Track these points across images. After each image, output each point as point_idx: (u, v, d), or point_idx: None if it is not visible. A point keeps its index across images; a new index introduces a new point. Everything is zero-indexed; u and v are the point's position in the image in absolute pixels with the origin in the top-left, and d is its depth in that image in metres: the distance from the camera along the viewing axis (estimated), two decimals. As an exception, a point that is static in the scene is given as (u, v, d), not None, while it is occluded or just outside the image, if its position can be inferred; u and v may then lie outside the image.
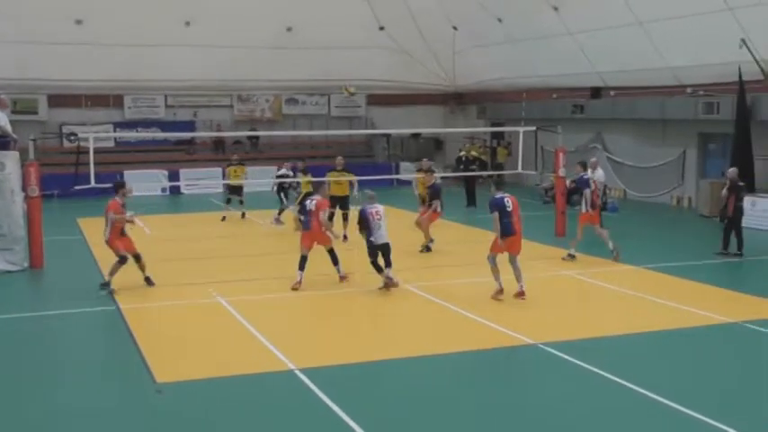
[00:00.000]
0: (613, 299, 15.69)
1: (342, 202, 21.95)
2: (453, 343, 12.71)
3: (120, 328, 13.62)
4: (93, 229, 22.93)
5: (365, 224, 15.83)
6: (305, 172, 23.40)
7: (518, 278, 15.21)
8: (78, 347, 12.84)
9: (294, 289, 16.12)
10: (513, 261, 15.22)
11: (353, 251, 18.84)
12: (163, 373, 11.22)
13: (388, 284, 15.86)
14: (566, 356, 11.77)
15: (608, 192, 29.71)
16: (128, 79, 36.22)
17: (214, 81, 37.58)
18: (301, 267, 16.32)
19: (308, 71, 37.84)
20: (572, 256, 18.84)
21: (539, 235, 21.33)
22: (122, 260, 16.23)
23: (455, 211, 27.38)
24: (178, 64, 35.80)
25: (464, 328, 13.69)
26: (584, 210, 19.15)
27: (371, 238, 15.77)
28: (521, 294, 15.12)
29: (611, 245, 18.75)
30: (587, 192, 19.05)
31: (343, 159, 22.70)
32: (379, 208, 16.00)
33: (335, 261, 16.77)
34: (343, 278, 16.78)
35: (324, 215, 16.76)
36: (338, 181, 21.91)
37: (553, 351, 12.04)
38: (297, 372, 11.21)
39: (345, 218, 21.83)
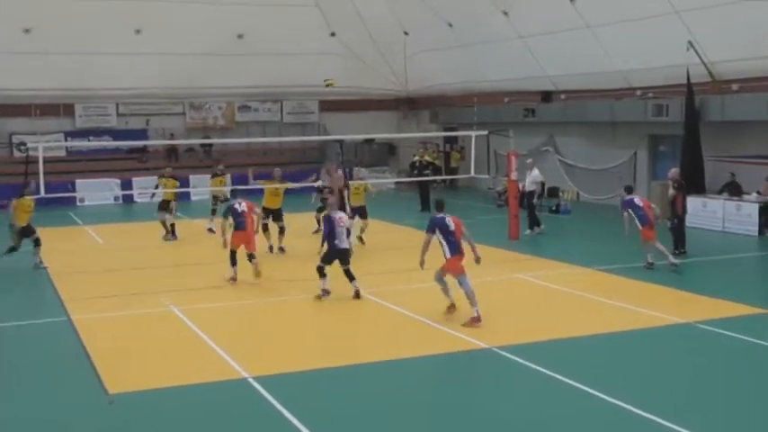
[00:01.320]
0: (566, 301, 15.75)
1: (275, 214, 21.53)
2: (408, 348, 12.66)
3: (71, 340, 13.40)
4: (44, 238, 22.59)
5: (331, 230, 15.73)
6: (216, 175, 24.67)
7: (471, 303, 13.95)
8: (27, 359, 12.59)
9: (232, 280, 17.16)
10: (462, 282, 14.12)
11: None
12: (115, 383, 11.05)
13: (358, 294, 15.82)
14: (520, 360, 11.78)
15: (561, 194, 30.00)
16: (78, 88, 35.77)
17: (166, 89, 37.28)
18: (233, 263, 17.33)
19: (261, 78, 37.69)
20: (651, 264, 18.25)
21: (492, 238, 21.38)
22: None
23: (409, 215, 27.41)
24: (129, 72, 35.46)
25: (418, 333, 13.65)
26: (640, 227, 18.24)
27: (334, 242, 15.74)
28: (476, 320, 13.76)
29: (670, 258, 18.16)
30: (630, 211, 18.26)
31: (280, 171, 22.59)
32: (343, 215, 16.33)
33: (234, 263, 17.50)
34: (232, 279, 17.43)
35: (256, 216, 17.96)
36: (276, 193, 21.58)
37: (507, 355, 12.05)
38: (250, 380, 11.10)
39: (282, 231, 21.43)
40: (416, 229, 24.76)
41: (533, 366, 11.48)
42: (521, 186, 23.19)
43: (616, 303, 15.13)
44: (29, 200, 19.62)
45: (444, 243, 14.27)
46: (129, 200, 34.62)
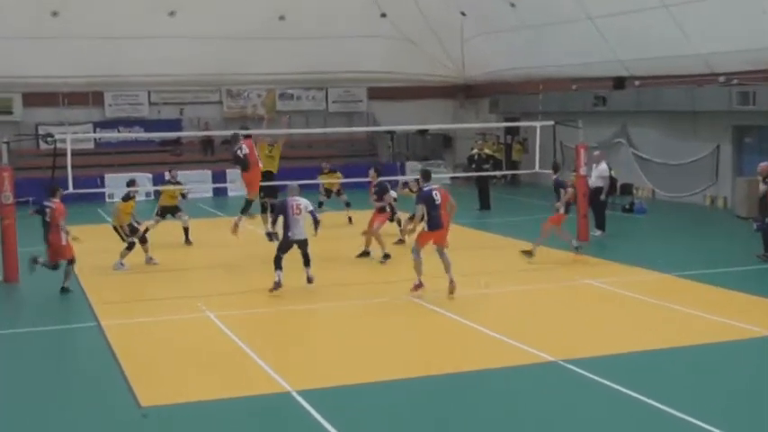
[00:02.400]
0: (641, 310, 15.59)
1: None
2: (466, 361, 12.63)
3: (102, 347, 13.57)
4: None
5: (283, 216, 16.61)
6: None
7: (447, 269, 16.19)
8: (56, 368, 12.79)
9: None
10: (441, 252, 16.24)
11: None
12: (148, 396, 11.16)
13: (310, 281, 16.97)
14: (589, 374, 11.70)
15: (635, 191, 29.72)
16: (108, 75, 36.24)
17: (201, 75, 37.59)
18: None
19: (304, 63, 37.82)
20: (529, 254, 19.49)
21: (558, 240, 21.25)
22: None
23: (466, 214, 27.29)
24: (162, 57, 35.78)
25: (477, 344, 13.62)
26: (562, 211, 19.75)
27: (288, 233, 16.58)
28: (451, 284, 16.10)
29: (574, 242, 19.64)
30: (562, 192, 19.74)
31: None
32: (302, 202, 16.76)
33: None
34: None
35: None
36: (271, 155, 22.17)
37: (575, 368, 11.97)
38: (294, 393, 11.14)
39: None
40: (474, 228, 24.74)
41: (604, 382, 11.38)
42: (589, 182, 23.00)
43: (696, 313, 14.94)
44: (132, 203, 20.19)
45: (431, 216, 16.01)
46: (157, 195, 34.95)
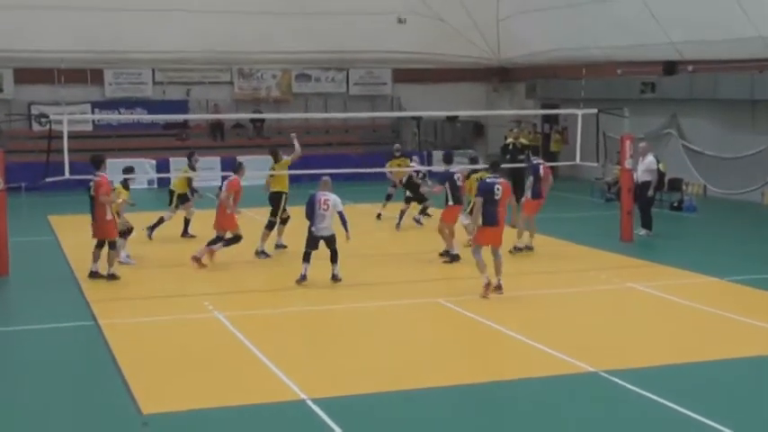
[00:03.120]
0: (691, 317, 15.58)
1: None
2: (497, 370, 12.68)
3: (100, 348, 13.67)
4: (67, 228, 23.17)
5: (309, 211, 17.35)
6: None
7: (497, 271, 16.47)
8: (50, 370, 12.87)
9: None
10: (494, 252, 16.52)
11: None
12: (150, 403, 11.24)
13: (336, 279, 17.63)
14: (632, 387, 11.70)
15: (685, 187, 29.63)
16: (109, 51, 36.33)
17: (211, 53, 37.65)
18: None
19: (323, 41, 37.82)
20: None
21: (600, 240, 21.28)
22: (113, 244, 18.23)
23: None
24: (168, 33, 35.87)
25: (509, 351, 13.66)
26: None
27: (312, 228, 17.34)
28: (498, 288, 16.38)
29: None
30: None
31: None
32: (331, 198, 17.38)
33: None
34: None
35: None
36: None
37: (617, 380, 11.98)
38: (309, 402, 11.20)
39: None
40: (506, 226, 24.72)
41: (647, 395, 11.38)
42: (635, 177, 22.96)
43: (755, 322, 14.91)
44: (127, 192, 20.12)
45: (487, 211, 16.28)
46: (165, 184, 34.94)
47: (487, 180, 16.63)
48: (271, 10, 36.06)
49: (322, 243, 17.56)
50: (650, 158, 23.28)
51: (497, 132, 39.49)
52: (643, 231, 22.93)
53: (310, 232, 17.40)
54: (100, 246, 18.31)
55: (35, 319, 15.53)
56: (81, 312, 15.77)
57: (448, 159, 20.41)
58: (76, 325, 15.10)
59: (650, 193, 23.10)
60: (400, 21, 37.63)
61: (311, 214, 17.36)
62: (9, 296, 17.89)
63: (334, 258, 17.61)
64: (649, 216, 23.25)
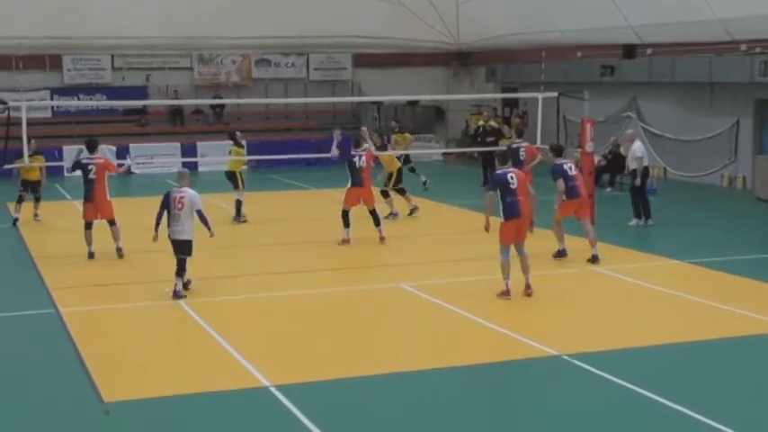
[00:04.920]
0: (652, 301, 15.61)
1: None
2: (459, 354, 12.63)
3: (59, 337, 13.52)
4: (27, 214, 22.89)
5: (161, 211, 15.41)
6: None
7: (524, 269, 15.42)
8: (9, 359, 12.71)
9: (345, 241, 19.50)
10: (519, 249, 15.42)
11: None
12: (111, 391, 11.11)
13: (178, 296, 15.29)
14: (596, 370, 11.71)
15: (651, 171, 29.70)
16: (67, 36, 36.04)
17: (170, 38, 37.42)
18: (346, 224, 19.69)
19: (283, 26, 37.68)
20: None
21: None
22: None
23: (468, 193, 27.31)
24: (127, 18, 35.64)
25: (472, 335, 13.63)
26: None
27: (168, 230, 15.34)
28: (527, 288, 15.38)
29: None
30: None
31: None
32: (186, 194, 15.28)
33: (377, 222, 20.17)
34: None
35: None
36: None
37: (580, 364, 11.98)
38: (272, 389, 11.13)
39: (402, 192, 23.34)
40: (475, 210, 24.72)
41: (611, 378, 11.40)
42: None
43: (715, 304, 14.97)
44: None
45: (506, 202, 15.15)
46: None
47: (498, 172, 15.58)
48: (231, -6, 35.86)
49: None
50: (634, 146, 22.56)
51: (457, 116, 39.57)
52: (635, 221, 22.26)
53: (169, 235, 15.46)
54: (90, 227, 18.76)
55: (-7, 307, 15.34)
56: (41, 300, 15.57)
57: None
58: (36, 313, 14.91)
59: (637, 181, 22.21)
60: None
61: (167, 215, 15.37)
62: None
63: (178, 270, 15.34)
64: (644, 204, 22.50)
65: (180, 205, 15.16)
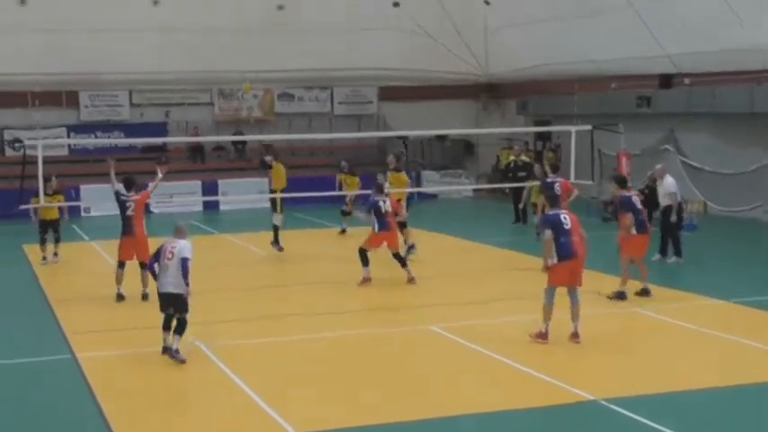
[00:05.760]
0: (696, 342, 15.53)
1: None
2: (491, 399, 12.56)
3: (77, 384, 13.54)
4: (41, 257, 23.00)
5: (152, 261, 15.01)
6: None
7: (574, 316, 15.17)
8: (23, 408, 12.72)
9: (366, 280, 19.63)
10: (572, 294, 15.23)
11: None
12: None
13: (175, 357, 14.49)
14: (635, 416, 11.61)
15: (684, 206, 29.59)
16: (84, 72, 36.28)
17: (190, 73, 37.64)
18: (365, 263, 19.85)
19: (306, 59, 37.84)
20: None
21: (597, 261, 21.14)
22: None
23: (498, 231, 27.25)
24: (145, 53, 35.88)
25: (505, 379, 13.56)
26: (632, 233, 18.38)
27: (157, 283, 14.78)
28: (575, 336, 15.15)
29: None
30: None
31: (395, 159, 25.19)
32: (178, 244, 14.71)
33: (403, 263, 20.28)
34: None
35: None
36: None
37: (618, 409, 11.89)
38: (300, 438, 11.09)
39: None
40: (507, 248, 24.69)
41: (652, 424, 11.27)
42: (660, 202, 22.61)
43: (759, 346, 14.85)
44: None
45: (559, 243, 14.93)
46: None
47: (550, 213, 15.68)
48: (252, 27, 36.06)
49: None
50: (668, 181, 22.50)
51: (487, 151, 39.56)
52: (673, 258, 22.30)
53: (157, 288, 14.86)
54: (123, 266, 19.04)
55: (9, 353, 15.38)
56: (57, 345, 15.62)
57: (623, 182, 18.15)
58: (52, 359, 14.94)
59: (673, 218, 22.00)
60: (395, 4, 37.48)
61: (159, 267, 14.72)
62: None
63: (178, 328, 14.54)
64: (676, 241, 22.37)
65: (170, 255, 14.62)
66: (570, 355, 14.66)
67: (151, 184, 20.00)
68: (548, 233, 15.11)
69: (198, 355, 14.80)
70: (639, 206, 18.04)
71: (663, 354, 14.86)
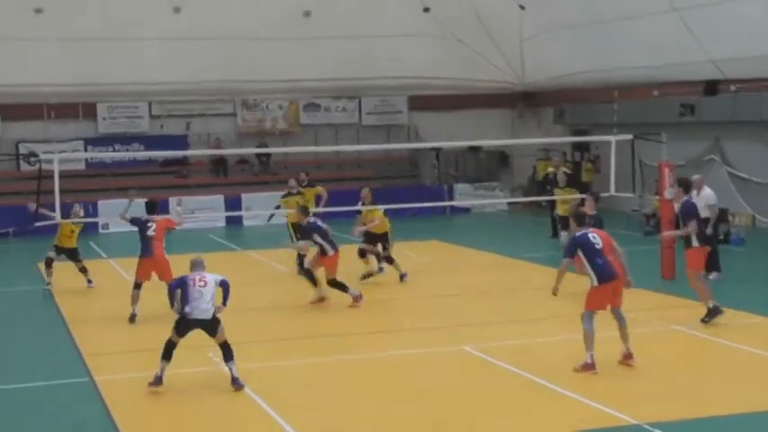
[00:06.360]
0: (744, 362, 15.42)
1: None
2: (528, 425, 12.55)
3: (95, 409, 13.59)
4: (60, 276, 23.11)
5: (173, 291, 14.66)
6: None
7: (624, 337, 15.00)
8: (41, 433, 12.79)
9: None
10: (616, 314, 15.05)
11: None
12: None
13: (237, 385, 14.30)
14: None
15: (731, 218, 29.45)
16: (102, 83, 36.55)
17: (212, 83, 37.84)
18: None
19: (333, 68, 37.97)
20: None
21: (639, 277, 21.03)
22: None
23: (535, 246, 27.18)
24: (165, 62, 36.08)
25: (541, 402, 13.51)
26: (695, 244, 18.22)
27: (186, 308, 14.46)
28: (628, 358, 15.00)
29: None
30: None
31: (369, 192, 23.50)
32: (207, 274, 14.73)
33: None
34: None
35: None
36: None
37: (663, 433, 11.83)
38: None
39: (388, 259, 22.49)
40: (544, 264, 24.63)
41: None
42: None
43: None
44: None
45: (596, 265, 14.61)
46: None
47: (577, 235, 15.04)
48: (276, 35, 36.18)
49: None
50: (707, 192, 22.36)
51: (523, 162, 39.50)
52: (714, 275, 22.13)
53: (182, 315, 14.49)
54: (139, 287, 19.20)
55: (27, 376, 15.46)
56: (74, 367, 15.71)
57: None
58: (69, 383, 15.03)
59: (709, 230, 21.60)
60: (426, 9, 37.53)
61: (182, 296, 14.50)
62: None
63: (227, 355, 14.46)
64: (716, 256, 22.13)
65: (202, 282, 14.52)
66: (610, 377, 14.58)
67: (174, 222, 20.74)
68: (567, 260, 14.83)
69: (222, 379, 14.82)
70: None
71: (706, 374, 14.79)
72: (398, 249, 25.13)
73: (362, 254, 22.69)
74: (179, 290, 14.55)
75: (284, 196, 25.28)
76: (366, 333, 17.83)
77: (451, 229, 28.38)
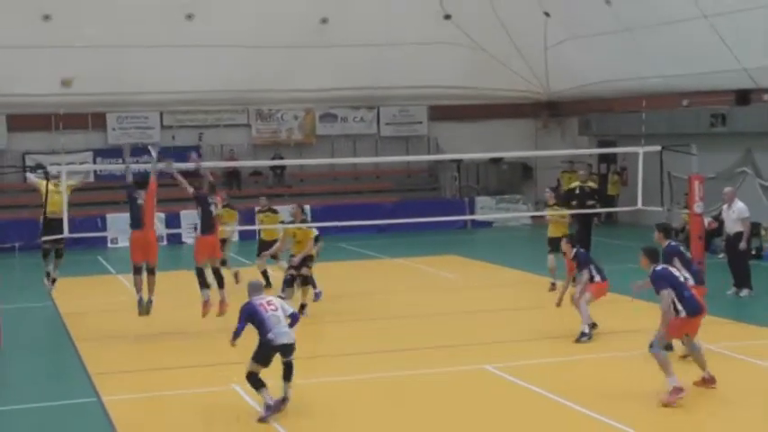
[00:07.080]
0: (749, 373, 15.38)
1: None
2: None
3: (103, 428, 13.57)
4: (66, 292, 23.14)
5: (246, 319, 14.43)
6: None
7: (703, 363, 14.86)
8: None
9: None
10: (691, 344, 14.87)
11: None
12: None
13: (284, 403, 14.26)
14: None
15: (763, 233, 29.32)
16: (111, 92, 36.61)
17: (225, 92, 37.90)
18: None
19: (350, 77, 37.96)
20: None
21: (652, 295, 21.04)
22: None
23: (558, 262, 27.01)
24: (177, 71, 36.07)
25: (567, 426, 13.46)
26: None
27: (269, 335, 14.16)
28: (710, 382, 14.87)
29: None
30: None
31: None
32: (272, 299, 14.75)
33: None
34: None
35: None
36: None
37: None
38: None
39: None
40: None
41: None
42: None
43: None
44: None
45: (685, 298, 14.38)
46: (176, 240, 35.11)
47: (659, 268, 14.61)
48: (291, 43, 36.15)
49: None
50: (739, 205, 22.44)
51: (547, 175, 39.38)
52: (745, 292, 22.13)
53: (267, 341, 14.19)
54: (139, 271, 19.05)
55: (34, 396, 15.48)
56: (81, 387, 15.71)
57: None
58: (76, 403, 15.02)
59: (743, 245, 21.99)
60: (447, 17, 37.54)
61: (261, 321, 14.24)
62: (2, 371, 17.84)
63: (288, 374, 14.41)
64: (747, 272, 22.35)
65: (273, 307, 14.42)
66: (639, 398, 14.50)
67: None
68: (666, 292, 14.34)
69: (237, 400, 14.79)
70: None
71: (745, 398, 14.70)
72: (413, 264, 25.13)
73: (290, 282, 21.28)
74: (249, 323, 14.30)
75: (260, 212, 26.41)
76: (380, 352, 17.74)
77: (472, 243, 28.25)
